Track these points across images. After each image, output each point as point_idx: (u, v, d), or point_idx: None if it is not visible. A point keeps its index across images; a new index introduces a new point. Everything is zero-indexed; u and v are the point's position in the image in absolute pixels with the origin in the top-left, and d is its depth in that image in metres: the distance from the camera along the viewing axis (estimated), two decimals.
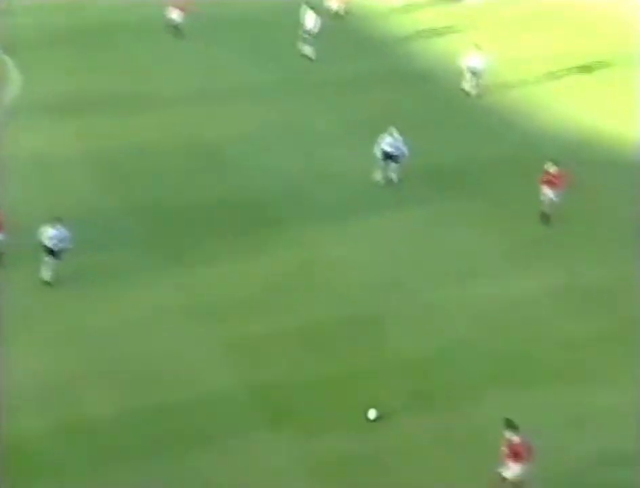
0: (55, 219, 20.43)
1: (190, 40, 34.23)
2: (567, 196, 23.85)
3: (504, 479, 15.46)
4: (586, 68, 33.43)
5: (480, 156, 27.86)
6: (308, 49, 33.65)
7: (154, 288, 21.31)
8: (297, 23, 34.18)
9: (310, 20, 33.39)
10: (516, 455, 15.15)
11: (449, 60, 33.50)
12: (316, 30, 33.50)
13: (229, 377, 18.99)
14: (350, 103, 30.90)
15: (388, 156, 25.32)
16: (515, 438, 15.20)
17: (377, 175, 25.55)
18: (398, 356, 19.62)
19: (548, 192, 23.84)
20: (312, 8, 33.68)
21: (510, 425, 15.31)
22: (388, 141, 25.21)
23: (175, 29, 34.14)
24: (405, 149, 25.22)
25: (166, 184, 25.88)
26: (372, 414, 17.35)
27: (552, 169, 23.91)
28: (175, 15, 34.09)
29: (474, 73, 30.93)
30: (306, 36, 33.56)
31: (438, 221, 24.75)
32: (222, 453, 16.65)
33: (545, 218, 24.02)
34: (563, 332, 20.43)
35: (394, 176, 25.52)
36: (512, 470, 15.31)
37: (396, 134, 25.15)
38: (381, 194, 25.68)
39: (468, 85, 31.19)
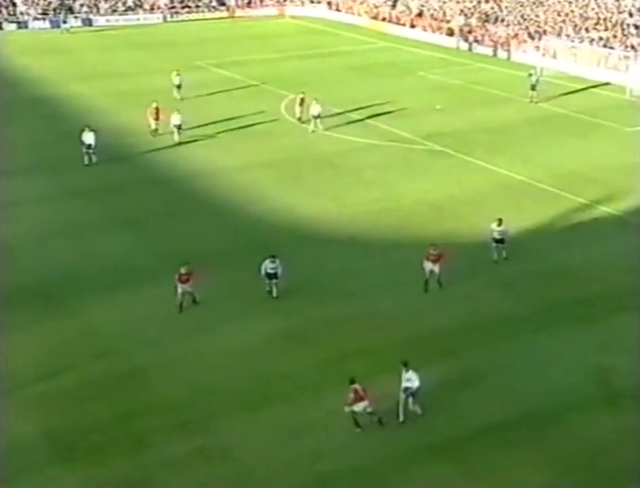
0: None
1: None
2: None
3: (355, 412, 21.00)
4: None
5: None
6: (92, 159, 39.90)
7: None
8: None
9: (90, 137, 39.76)
10: (360, 397, 20.81)
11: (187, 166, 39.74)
12: (95, 145, 39.89)
13: (25, 427, 21.36)
14: (111, 202, 35.74)
15: (271, 276, 27.03)
16: (357, 386, 20.86)
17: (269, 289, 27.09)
18: (161, 397, 22.56)
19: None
20: (92, 130, 40.09)
21: (352, 381, 20.91)
22: (269, 265, 26.84)
23: None
24: (281, 269, 26.89)
25: None
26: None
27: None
28: None
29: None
30: (89, 150, 39.80)
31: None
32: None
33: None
34: (282, 366, 23.95)
35: (274, 291, 27.32)
36: (359, 407, 20.91)
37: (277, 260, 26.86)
38: (136, 273, 29.28)
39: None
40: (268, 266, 27.14)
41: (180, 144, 43.56)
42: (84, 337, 25.40)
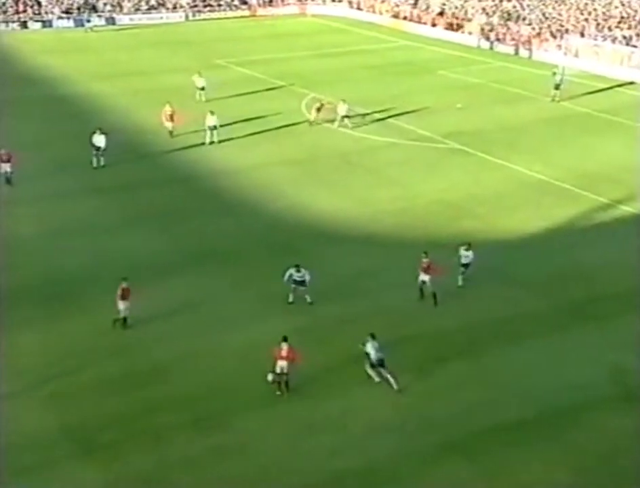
0: None
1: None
2: None
3: (277, 374, 22.21)
4: None
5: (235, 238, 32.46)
6: (100, 162, 39.71)
7: None
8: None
9: (100, 140, 39.77)
10: (288, 358, 22.18)
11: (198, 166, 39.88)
12: (104, 148, 39.89)
13: (43, 422, 21.55)
14: (129, 200, 35.89)
15: (298, 283, 26.84)
16: (285, 346, 22.15)
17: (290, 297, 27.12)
18: (178, 393, 22.73)
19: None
20: (102, 132, 40.01)
21: (284, 338, 22.31)
22: (295, 274, 26.55)
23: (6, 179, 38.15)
24: (309, 276, 26.72)
25: None
26: (269, 377, 22.39)
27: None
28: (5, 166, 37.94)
29: None
30: (98, 152, 39.80)
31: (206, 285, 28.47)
32: (42, 483, 19.48)
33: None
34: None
35: (307, 297, 27.12)
36: (277, 366, 22.19)
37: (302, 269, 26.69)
38: (153, 271, 29.30)
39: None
40: (294, 274, 26.98)
41: (202, 144, 43.65)
42: (101, 334, 25.60)
